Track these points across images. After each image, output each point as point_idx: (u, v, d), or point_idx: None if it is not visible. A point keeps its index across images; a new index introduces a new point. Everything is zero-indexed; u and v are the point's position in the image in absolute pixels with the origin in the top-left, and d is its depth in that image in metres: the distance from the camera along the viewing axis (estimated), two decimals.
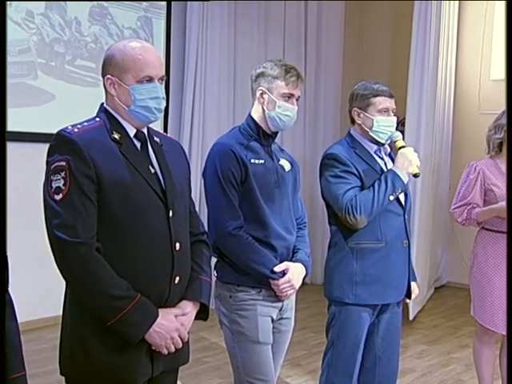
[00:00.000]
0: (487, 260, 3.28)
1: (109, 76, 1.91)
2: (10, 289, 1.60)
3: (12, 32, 4.64)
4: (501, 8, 6.25)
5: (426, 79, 5.56)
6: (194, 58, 5.71)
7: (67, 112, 4.80)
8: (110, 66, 1.90)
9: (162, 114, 1.98)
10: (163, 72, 1.93)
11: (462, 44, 6.70)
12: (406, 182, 2.65)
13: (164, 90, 1.94)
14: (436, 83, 5.80)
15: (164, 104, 1.94)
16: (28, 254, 4.72)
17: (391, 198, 2.62)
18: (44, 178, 1.85)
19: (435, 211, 6.26)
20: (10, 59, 4.66)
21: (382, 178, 2.62)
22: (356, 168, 2.64)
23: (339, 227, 2.69)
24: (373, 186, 2.61)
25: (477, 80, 6.65)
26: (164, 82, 1.95)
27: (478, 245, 3.35)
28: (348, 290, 2.66)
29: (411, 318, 5.34)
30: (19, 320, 1.64)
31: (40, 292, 4.85)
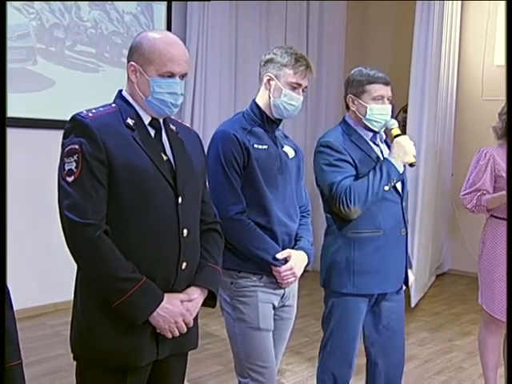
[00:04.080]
0: (496, 248, 3.24)
1: (132, 63, 1.94)
2: (9, 276, 1.60)
3: (11, 17, 4.60)
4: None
5: (429, 65, 5.52)
6: (195, 44, 5.67)
7: (67, 98, 4.78)
8: (136, 54, 1.93)
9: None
10: (186, 69, 1.95)
11: (466, 29, 6.64)
12: (401, 172, 2.61)
13: (183, 87, 1.96)
14: (439, 69, 5.76)
15: (181, 100, 1.96)
16: (30, 241, 4.71)
17: (386, 188, 2.58)
18: (59, 160, 1.89)
19: (437, 198, 6.24)
20: (9, 44, 4.62)
21: (377, 168, 2.58)
22: (351, 156, 2.60)
23: (336, 216, 2.64)
24: (367, 175, 2.56)
25: (480, 65, 6.60)
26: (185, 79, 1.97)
27: (487, 233, 3.31)
28: (347, 280, 2.64)
29: (413, 305, 5.33)
30: (21, 307, 1.63)
31: (41, 278, 4.85)
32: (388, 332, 2.77)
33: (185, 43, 5.88)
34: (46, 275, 4.83)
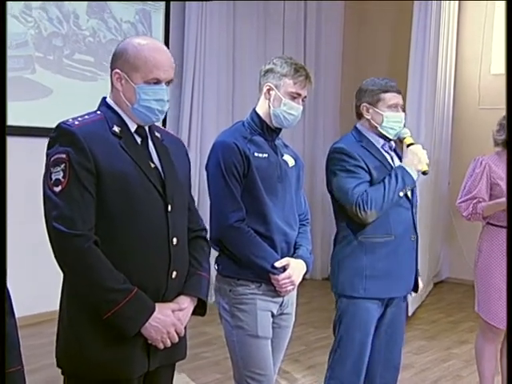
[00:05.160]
0: (492, 256, 3.25)
1: (117, 70, 1.90)
2: (8, 284, 1.60)
3: (9, 25, 4.61)
4: (502, 1, 6.24)
5: (426, 73, 5.54)
6: (192, 52, 5.69)
7: (65, 106, 4.78)
8: (121, 61, 1.90)
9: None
10: (172, 75, 1.93)
11: (463, 38, 6.67)
12: (415, 179, 2.67)
13: (169, 93, 1.94)
14: (436, 77, 5.79)
15: (167, 107, 1.94)
16: (27, 248, 4.70)
17: (401, 194, 2.64)
18: (44, 170, 1.85)
19: (435, 206, 6.25)
20: (7, 53, 4.63)
21: (393, 174, 2.64)
22: (365, 162, 2.65)
23: (348, 222, 2.68)
24: (383, 181, 2.62)
25: (477, 74, 6.63)
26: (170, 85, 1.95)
27: (484, 240, 3.32)
28: (358, 285, 2.66)
29: (410, 313, 5.32)
30: (19, 315, 1.64)
31: (39, 286, 4.84)
32: (386, 336, 2.79)
33: (182, 51, 5.98)
34: (44, 283, 4.82)
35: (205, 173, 2.55)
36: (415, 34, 5.57)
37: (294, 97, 2.45)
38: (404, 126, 2.79)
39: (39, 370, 3.83)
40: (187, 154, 2.13)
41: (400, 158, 2.80)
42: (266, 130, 2.50)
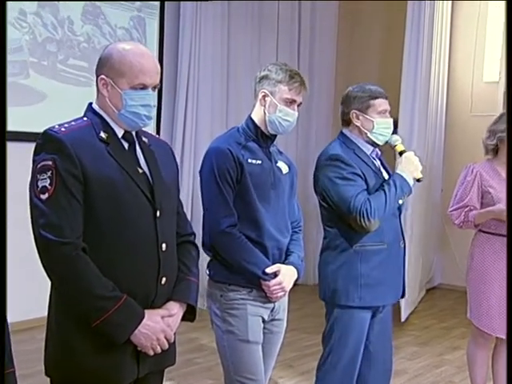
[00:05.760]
0: (484, 263, 3.26)
1: (103, 76, 1.89)
2: None
3: None
4: (494, 8, 6.28)
5: (419, 80, 5.57)
6: (187, 58, 5.70)
7: (59, 111, 4.78)
8: (106, 67, 1.89)
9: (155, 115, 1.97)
10: (158, 80, 1.92)
11: (455, 45, 6.71)
12: (411, 187, 2.68)
13: (156, 98, 1.94)
14: (429, 85, 5.82)
15: (154, 112, 1.94)
16: (19, 253, 4.69)
17: (400, 201, 2.66)
18: (30, 177, 1.84)
19: (427, 213, 6.27)
20: None
21: (391, 182, 2.64)
22: (360, 170, 2.65)
23: (342, 230, 2.67)
24: (383, 189, 2.62)
25: (469, 82, 6.66)
26: (157, 90, 1.95)
27: (475, 247, 3.33)
28: (353, 293, 2.65)
29: (403, 319, 5.34)
30: (11, 320, 1.64)
31: (31, 292, 4.83)
32: (378, 341, 2.80)
33: (177, 57, 5.97)
34: (36, 289, 4.81)
35: (198, 178, 2.55)
36: (408, 35, 5.57)
37: (289, 103, 2.46)
38: (393, 132, 2.80)
39: (32, 375, 3.81)
40: (174, 158, 2.13)
41: (384, 166, 2.81)
42: (261, 137, 2.52)
